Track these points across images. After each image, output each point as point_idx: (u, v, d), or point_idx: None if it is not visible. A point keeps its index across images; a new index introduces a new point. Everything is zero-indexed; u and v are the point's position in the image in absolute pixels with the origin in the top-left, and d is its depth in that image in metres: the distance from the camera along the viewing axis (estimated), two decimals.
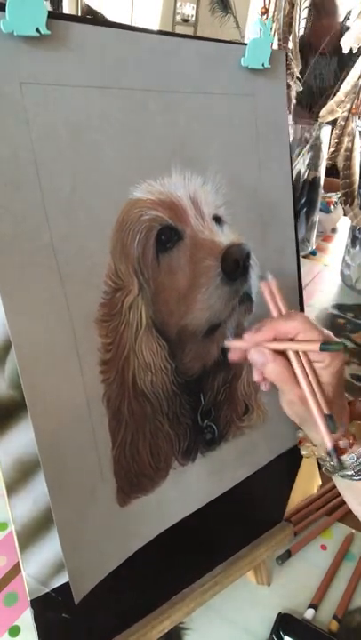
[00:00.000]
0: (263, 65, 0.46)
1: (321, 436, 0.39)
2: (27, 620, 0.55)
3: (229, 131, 0.46)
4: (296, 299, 0.53)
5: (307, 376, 0.39)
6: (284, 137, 0.50)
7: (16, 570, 0.59)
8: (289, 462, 0.56)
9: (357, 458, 0.41)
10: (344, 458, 0.41)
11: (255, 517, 0.57)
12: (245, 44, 0.45)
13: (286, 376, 0.39)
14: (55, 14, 0.33)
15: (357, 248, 1.33)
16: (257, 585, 0.61)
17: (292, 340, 0.39)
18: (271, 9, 1.19)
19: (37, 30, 0.32)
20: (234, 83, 0.45)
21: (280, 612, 0.58)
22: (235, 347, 0.42)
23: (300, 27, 1.31)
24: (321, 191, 1.45)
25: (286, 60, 0.50)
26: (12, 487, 0.35)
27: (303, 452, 0.45)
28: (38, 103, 0.33)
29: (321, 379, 0.39)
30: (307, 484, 0.61)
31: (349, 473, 0.42)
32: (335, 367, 0.39)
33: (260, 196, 0.48)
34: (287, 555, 0.64)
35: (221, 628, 0.57)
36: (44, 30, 0.33)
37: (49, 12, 0.32)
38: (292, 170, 0.51)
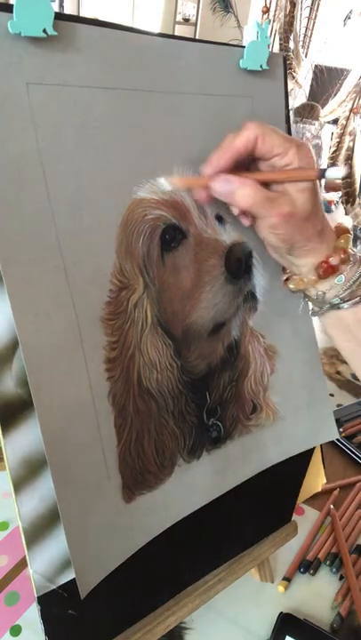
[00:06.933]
0: (261, 67, 0.46)
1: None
2: (28, 619, 0.55)
3: (229, 131, 0.46)
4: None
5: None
6: None
7: (17, 569, 0.60)
8: (298, 462, 0.56)
9: (346, 280, 0.39)
10: (332, 281, 0.39)
11: (263, 517, 0.57)
12: (244, 47, 0.45)
13: (260, 197, 0.36)
14: (61, 15, 0.34)
15: (358, 247, 1.33)
16: (258, 585, 0.61)
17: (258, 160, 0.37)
18: (272, 8, 1.20)
19: (44, 31, 0.33)
20: (233, 84, 0.45)
21: (281, 612, 0.58)
22: (193, 185, 0.39)
23: (301, 26, 1.31)
24: (322, 190, 1.46)
25: (288, 61, 0.50)
26: (20, 485, 0.35)
27: (291, 286, 0.42)
28: (44, 103, 0.34)
29: (296, 203, 0.37)
30: (312, 482, 0.61)
31: (336, 301, 0.39)
32: (310, 189, 0.37)
33: None
34: None
35: (222, 627, 0.57)
36: (50, 31, 0.33)
37: (55, 12, 0.33)
38: None
